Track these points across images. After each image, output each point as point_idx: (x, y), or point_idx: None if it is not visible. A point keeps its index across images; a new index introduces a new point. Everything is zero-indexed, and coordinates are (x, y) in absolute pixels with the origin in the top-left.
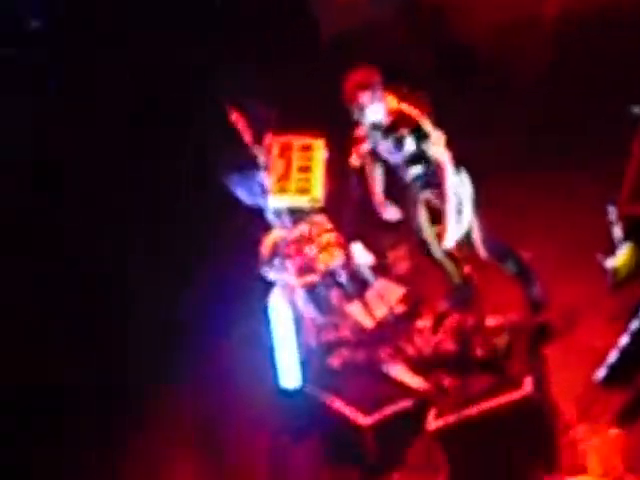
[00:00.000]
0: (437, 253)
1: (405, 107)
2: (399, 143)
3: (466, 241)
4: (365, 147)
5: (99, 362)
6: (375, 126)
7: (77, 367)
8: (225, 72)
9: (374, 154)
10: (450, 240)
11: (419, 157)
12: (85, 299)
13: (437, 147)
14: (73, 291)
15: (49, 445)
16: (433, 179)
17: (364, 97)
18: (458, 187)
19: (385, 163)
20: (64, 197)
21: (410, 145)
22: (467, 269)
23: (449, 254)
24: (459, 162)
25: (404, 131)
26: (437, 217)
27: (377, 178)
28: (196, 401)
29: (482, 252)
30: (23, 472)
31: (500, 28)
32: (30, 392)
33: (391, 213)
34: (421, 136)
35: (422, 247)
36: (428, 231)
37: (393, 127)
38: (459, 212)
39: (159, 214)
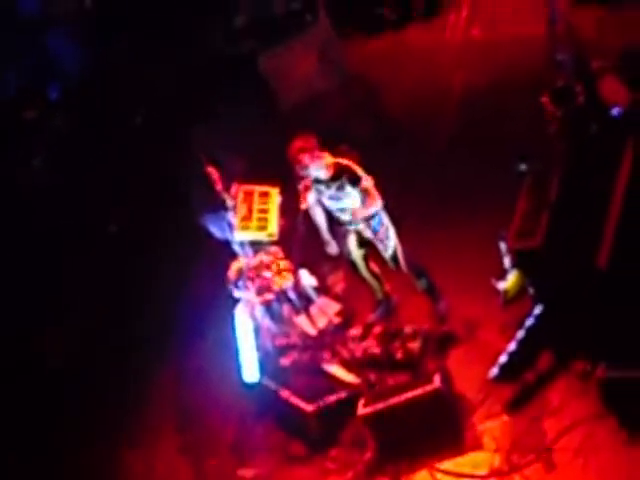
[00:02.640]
0: (363, 272)
1: (341, 160)
2: (341, 188)
3: (393, 259)
4: (311, 197)
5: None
6: (317, 180)
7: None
8: (203, 134)
9: (319, 202)
10: None
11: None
12: None
13: (367, 183)
14: None
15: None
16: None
17: (305, 158)
18: (384, 216)
19: (325, 208)
20: None
21: (349, 188)
22: (387, 287)
23: (373, 273)
24: (384, 206)
25: (344, 179)
26: (364, 243)
27: (321, 222)
28: (177, 390)
29: (404, 268)
30: None
31: (418, 100)
32: None
33: (332, 249)
34: (356, 180)
35: (352, 267)
36: (356, 253)
37: (334, 177)
38: (387, 237)
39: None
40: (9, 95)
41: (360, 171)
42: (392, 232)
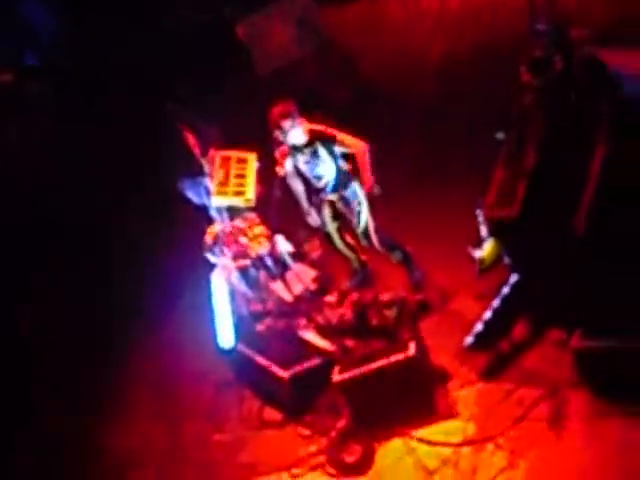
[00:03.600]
0: (338, 244)
1: (316, 126)
2: (315, 154)
3: (364, 234)
4: (288, 164)
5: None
6: (295, 147)
7: None
8: (180, 100)
9: (296, 169)
10: None
11: (331, 167)
12: None
13: (350, 143)
14: None
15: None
16: (337, 186)
17: (286, 124)
18: (358, 190)
19: (303, 177)
20: None
21: (323, 153)
22: (364, 256)
23: (348, 245)
24: (356, 173)
25: (317, 144)
26: (338, 215)
27: (299, 191)
28: (152, 357)
29: (376, 243)
30: None
31: (395, 68)
32: None
33: (313, 220)
34: (330, 144)
35: (327, 239)
36: (330, 226)
37: (309, 143)
38: (359, 212)
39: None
40: None
41: (338, 135)
42: (365, 207)
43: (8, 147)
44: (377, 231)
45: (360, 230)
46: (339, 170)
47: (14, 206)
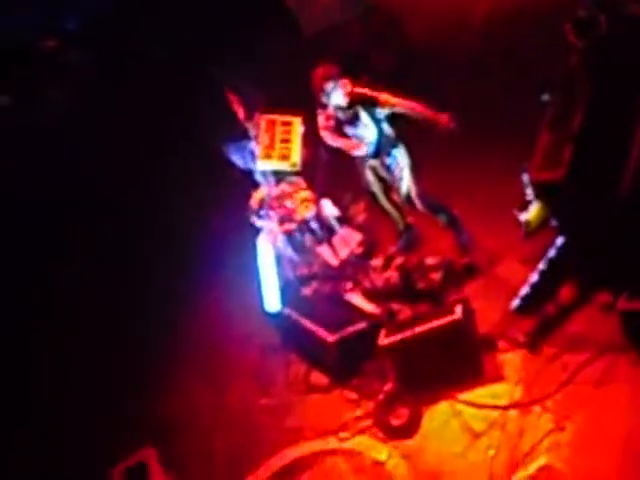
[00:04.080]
0: (384, 204)
1: (358, 89)
2: (356, 116)
3: (407, 199)
4: (331, 123)
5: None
6: (338, 107)
7: None
8: (225, 62)
9: (339, 129)
10: None
11: (373, 131)
12: None
13: (396, 102)
14: None
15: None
16: (378, 151)
17: (328, 86)
18: (401, 157)
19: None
20: None
21: (364, 116)
22: (410, 219)
23: (394, 204)
24: (400, 138)
25: (359, 106)
26: (381, 178)
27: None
28: (199, 320)
29: (419, 206)
30: None
31: (439, 29)
32: None
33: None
34: (372, 107)
35: (372, 198)
36: (375, 186)
37: (350, 105)
38: (401, 178)
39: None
40: (29, 25)
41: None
42: (407, 172)
43: (52, 109)
44: (420, 196)
45: (403, 195)
46: (381, 134)
47: (57, 166)
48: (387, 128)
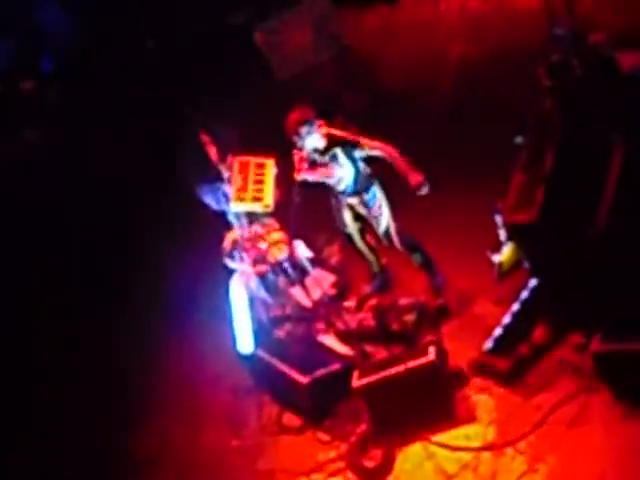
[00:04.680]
0: (360, 245)
1: (335, 131)
2: (334, 158)
3: (385, 235)
4: (305, 166)
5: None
6: (315, 150)
7: None
8: (198, 105)
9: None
10: None
11: (350, 171)
12: None
13: (376, 145)
14: None
15: None
16: (356, 190)
17: (303, 130)
18: (379, 193)
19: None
20: None
21: (342, 157)
22: (384, 260)
23: (369, 246)
24: (374, 176)
25: (336, 148)
26: (359, 217)
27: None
28: (170, 362)
29: (397, 244)
30: None
31: (414, 72)
32: None
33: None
34: (349, 148)
35: (348, 240)
36: (351, 227)
37: (327, 148)
38: (380, 214)
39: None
40: (3, 67)
41: (358, 139)
42: (385, 209)
43: (29, 151)
44: (399, 232)
45: (381, 231)
46: (358, 173)
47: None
48: (364, 167)
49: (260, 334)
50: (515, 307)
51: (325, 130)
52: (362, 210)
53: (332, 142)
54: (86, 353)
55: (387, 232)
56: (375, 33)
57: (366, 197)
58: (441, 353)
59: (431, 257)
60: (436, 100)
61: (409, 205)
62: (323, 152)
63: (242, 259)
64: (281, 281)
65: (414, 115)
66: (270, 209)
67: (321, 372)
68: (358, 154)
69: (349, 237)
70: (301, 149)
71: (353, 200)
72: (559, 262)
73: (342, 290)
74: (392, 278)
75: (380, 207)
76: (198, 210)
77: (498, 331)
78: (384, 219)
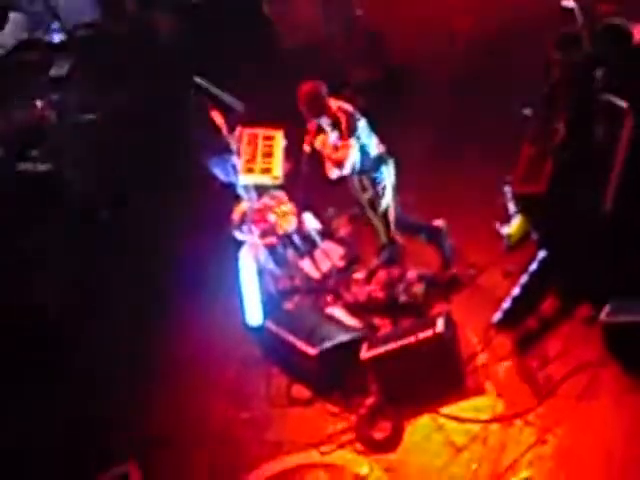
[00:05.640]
0: (371, 215)
1: (342, 106)
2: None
3: (383, 217)
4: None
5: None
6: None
7: None
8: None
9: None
10: None
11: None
12: None
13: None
14: None
15: None
16: (362, 168)
17: (312, 102)
18: (387, 174)
19: None
20: None
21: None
22: (394, 232)
23: (381, 217)
24: (389, 153)
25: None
26: (366, 189)
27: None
28: (180, 334)
29: (393, 228)
30: None
31: (423, 45)
32: None
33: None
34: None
35: (360, 208)
36: (362, 196)
37: (334, 123)
38: (382, 195)
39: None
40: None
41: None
42: (389, 193)
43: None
44: (397, 218)
45: (380, 212)
46: (364, 153)
47: None
48: (375, 145)
49: (269, 306)
50: (524, 279)
51: (333, 104)
52: (368, 185)
53: (339, 117)
54: (94, 326)
55: (385, 215)
56: (385, 5)
57: (373, 175)
58: (450, 325)
59: (440, 228)
60: (445, 72)
61: (419, 178)
62: (331, 126)
63: (251, 231)
64: (290, 253)
65: (424, 85)
66: (279, 181)
67: (330, 344)
68: (366, 132)
69: (361, 207)
70: (310, 121)
71: (357, 177)
72: (567, 233)
73: (351, 262)
74: (401, 250)
75: (383, 189)
76: (206, 181)
77: (507, 303)
78: (384, 201)
